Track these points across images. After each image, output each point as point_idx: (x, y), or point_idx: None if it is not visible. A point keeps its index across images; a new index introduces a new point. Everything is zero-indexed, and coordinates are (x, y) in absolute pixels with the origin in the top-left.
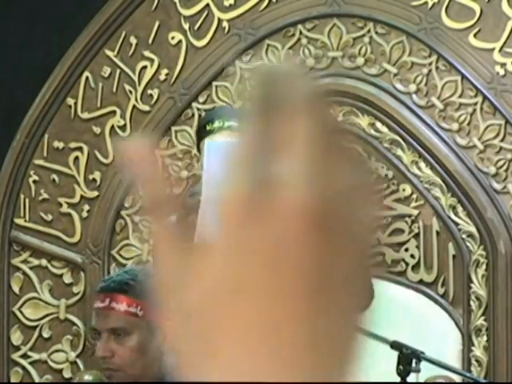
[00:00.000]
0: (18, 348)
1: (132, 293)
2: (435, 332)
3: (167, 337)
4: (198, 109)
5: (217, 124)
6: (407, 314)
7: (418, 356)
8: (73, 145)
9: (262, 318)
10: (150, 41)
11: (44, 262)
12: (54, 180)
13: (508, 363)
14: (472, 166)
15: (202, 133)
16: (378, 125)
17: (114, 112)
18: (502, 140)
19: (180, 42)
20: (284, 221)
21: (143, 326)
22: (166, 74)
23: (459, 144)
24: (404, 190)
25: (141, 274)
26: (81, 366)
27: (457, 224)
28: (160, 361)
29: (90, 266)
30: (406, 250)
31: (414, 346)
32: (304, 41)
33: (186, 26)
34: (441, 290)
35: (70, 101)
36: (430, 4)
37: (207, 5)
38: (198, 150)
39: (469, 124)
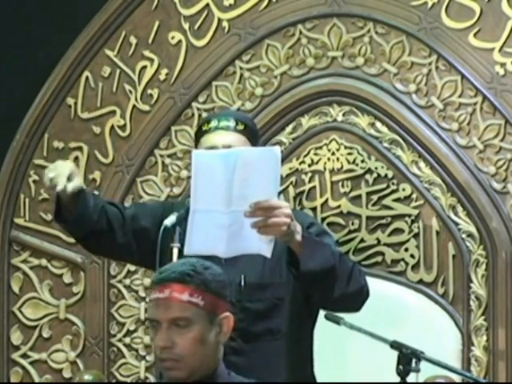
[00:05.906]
0: (17, 348)
1: (193, 283)
2: (435, 332)
3: (224, 328)
4: (198, 109)
5: (213, 124)
6: (407, 313)
7: (418, 356)
8: (73, 145)
9: None
10: (150, 41)
11: (44, 261)
12: None
13: (508, 363)
14: (472, 166)
15: (199, 133)
16: (378, 124)
17: (113, 112)
18: (501, 140)
19: (180, 41)
20: None
21: (204, 317)
22: (166, 74)
23: (459, 144)
24: (404, 189)
25: (199, 265)
26: (81, 365)
27: (457, 224)
28: (217, 352)
29: (90, 266)
30: (406, 249)
31: (413, 345)
32: (304, 40)
33: (186, 26)
34: (441, 290)
35: (70, 100)
36: (430, 4)
37: (207, 4)
38: None
39: (469, 124)
